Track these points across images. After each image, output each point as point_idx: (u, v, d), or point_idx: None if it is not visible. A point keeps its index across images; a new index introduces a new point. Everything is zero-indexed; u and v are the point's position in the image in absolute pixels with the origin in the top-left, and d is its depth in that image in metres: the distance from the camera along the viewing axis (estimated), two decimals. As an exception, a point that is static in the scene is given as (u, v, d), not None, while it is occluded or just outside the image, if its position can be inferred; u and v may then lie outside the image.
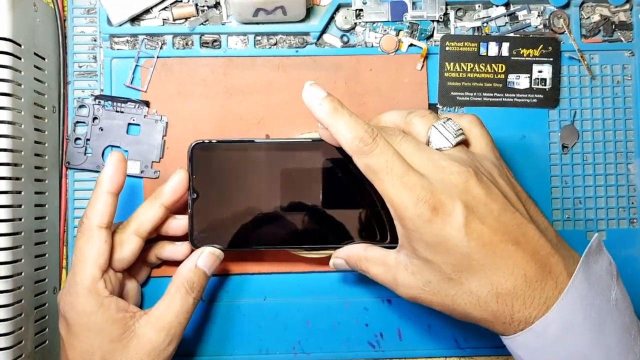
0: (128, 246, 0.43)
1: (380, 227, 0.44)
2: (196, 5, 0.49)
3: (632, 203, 0.50)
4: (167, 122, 0.48)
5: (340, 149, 0.40)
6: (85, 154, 0.48)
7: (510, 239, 0.35)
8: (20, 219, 0.42)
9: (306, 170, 0.44)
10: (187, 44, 0.49)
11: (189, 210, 0.44)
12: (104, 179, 0.41)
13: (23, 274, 0.42)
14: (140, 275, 0.47)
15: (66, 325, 0.41)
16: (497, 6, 0.49)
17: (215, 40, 0.49)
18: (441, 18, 0.49)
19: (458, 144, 0.38)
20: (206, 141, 0.43)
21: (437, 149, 0.38)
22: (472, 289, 0.35)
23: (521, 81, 0.49)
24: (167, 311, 0.41)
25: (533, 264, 0.34)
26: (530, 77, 0.49)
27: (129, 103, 0.48)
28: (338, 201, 0.44)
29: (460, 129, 0.38)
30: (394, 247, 0.39)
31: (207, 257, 0.43)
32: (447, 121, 0.39)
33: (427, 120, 0.39)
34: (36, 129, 0.45)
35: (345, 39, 0.49)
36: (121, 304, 0.41)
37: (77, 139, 0.48)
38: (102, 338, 0.40)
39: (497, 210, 0.35)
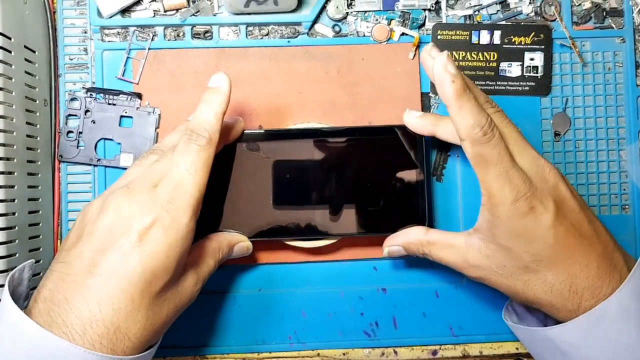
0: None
1: (385, 218, 0.45)
2: (187, -4, 0.49)
3: (624, 189, 0.50)
4: (159, 114, 0.48)
5: (340, 138, 0.42)
6: (77, 147, 0.48)
7: (587, 234, 0.38)
8: (13, 214, 0.42)
9: (304, 158, 0.44)
10: (178, 35, 0.49)
11: None
12: (219, 99, 0.40)
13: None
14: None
15: (158, 232, 0.36)
16: (488, -6, 0.50)
17: (206, 31, 0.49)
18: (433, 7, 0.49)
19: None
20: None
21: None
22: (548, 278, 0.38)
23: (513, 69, 0.49)
24: (204, 264, 0.41)
25: (604, 258, 0.38)
26: (522, 65, 0.49)
27: (121, 95, 0.48)
28: (339, 190, 0.44)
29: None
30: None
31: (243, 248, 0.44)
32: None
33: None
34: (28, 123, 0.44)
35: (337, 28, 0.49)
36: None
37: (69, 132, 0.48)
38: (180, 261, 0.37)
39: (577, 208, 0.38)
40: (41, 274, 0.46)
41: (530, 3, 0.50)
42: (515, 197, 0.37)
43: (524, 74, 0.49)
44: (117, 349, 0.34)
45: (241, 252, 0.44)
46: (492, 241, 0.39)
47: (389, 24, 0.49)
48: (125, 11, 0.49)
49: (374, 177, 0.45)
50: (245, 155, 0.44)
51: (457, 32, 0.49)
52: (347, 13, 0.49)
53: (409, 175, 0.45)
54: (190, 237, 0.37)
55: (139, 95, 0.48)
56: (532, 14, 0.50)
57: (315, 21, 0.49)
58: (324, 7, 0.49)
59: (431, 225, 0.47)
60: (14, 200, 0.42)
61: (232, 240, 0.44)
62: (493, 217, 0.38)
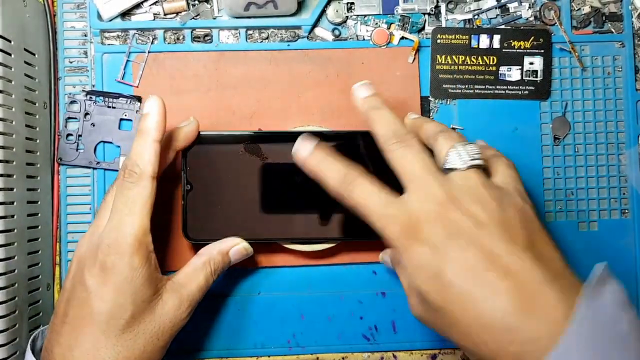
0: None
1: None
2: (187, -1, 0.49)
3: (624, 194, 0.50)
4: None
5: (339, 142, 0.43)
6: (77, 150, 0.48)
7: (496, 268, 0.32)
8: (12, 216, 0.42)
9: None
10: (178, 39, 0.49)
11: (183, 202, 0.44)
12: (150, 126, 0.40)
13: (16, 271, 0.42)
14: None
15: (102, 277, 0.37)
16: (488, -2, 0.50)
17: (206, 35, 0.49)
18: (432, 11, 0.49)
19: (471, 167, 0.36)
20: (201, 133, 0.44)
21: (449, 168, 0.36)
22: (459, 318, 0.33)
23: (512, 73, 0.49)
24: (191, 283, 0.41)
25: (518, 295, 0.31)
26: (522, 69, 0.49)
27: (120, 98, 0.48)
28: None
29: (479, 153, 0.37)
30: None
31: (239, 251, 0.44)
32: (469, 144, 0.37)
33: (452, 141, 0.37)
34: (27, 126, 0.44)
35: (336, 32, 0.49)
36: (155, 263, 0.40)
37: (68, 135, 0.48)
38: (137, 295, 0.38)
39: (483, 238, 0.33)
40: (39, 277, 0.46)
41: (529, 7, 0.50)
42: (396, 230, 0.36)
43: (524, 78, 0.49)
44: None
45: (240, 255, 0.44)
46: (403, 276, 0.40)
47: (388, 28, 0.49)
48: (125, 14, 0.49)
49: None
50: (242, 158, 0.44)
51: (457, 36, 0.49)
52: (347, 17, 0.49)
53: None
54: (141, 272, 0.38)
55: (139, 99, 0.48)
56: (532, 18, 0.50)
57: (315, 25, 0.49)
58: (323, 11, 0.49)
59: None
60: (13, 203, 0.42)
61: (223, 248, 0.43)
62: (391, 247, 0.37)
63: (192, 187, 0.44)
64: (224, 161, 0.44)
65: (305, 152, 0.40)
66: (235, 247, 0.44)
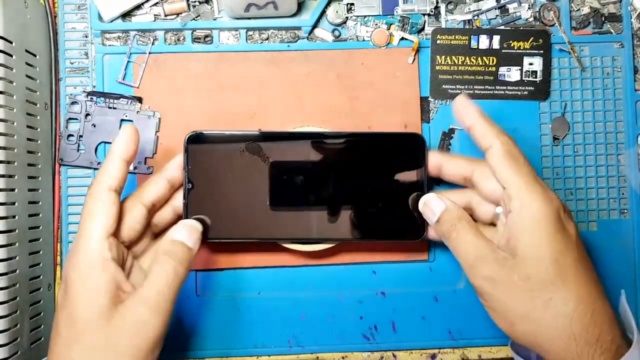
0: (133, 213, 0.41)
1: (383, 224, 0.45)
2: (187, 0, 0.49)
3: (623, 194, 0.50)
4: (159, 118, 0.48)
5: (339, 143, 0.44)
6: (78, 150, 0.48)
7: (590, 268, 0.38)
8: (14, 217, 0.42)
9: (303, 162, 0.44)
10: (178, 40, 0.49)
11: (184, 201, 0.44)
12: (118, 146, 0.40)
13: (18, 271, 0.42)
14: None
15: (64, 288, 0.38)
16: (487, -1, 0.50)
17: (207, 36, 0.49)
18: (432, 11, 0.49)
19: None
20: (203, 132, 0.44)
21: None
22: (570, 302, 0.36)
23: (512, 74, 0.49)
24: (153, 290, 0.38)
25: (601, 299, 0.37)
26: (521, 70, 0.49)
27: (121, 99, 0.48)
28: (337, 195, 0.44)
29: None
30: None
31: (183, 229, 0.42)
32: None
33: None
34: (28, 126, 0.45)
35: (336, 33, 0.50)
36: (119, 276, 0.38)
37: (69, 135, 0.48)
38: (92, 303, 0.37)
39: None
40: (40, 277, 0.46)
41: (529, 8, 0.50)
42: (554, 202, 0.37)
43: (523, 78, 0.49)
44: None
45: (193, 235, 0.42)
46: (519, 248, 0.37)
47: (388, 29, 0.49)
48: (126, 15, 0.49)
49: (373, 183, 0.44)
50: (244, 158, 0.44)
51: (456, 37, 0.49)
52: (347, 18, 0.49)
53: (410, 182, 0.44)
54: (97, 284, 0.37)
55: (139, 99, 0.48)
56: (531, 19, 0.50)
57: (315, 26, 0.49)
58: (323, 12, 0.49)
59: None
60: (14, 204, 0.42)
61: (162, 243, 0.41)
62: (524, 221, 0.37)
63: (193, 185, 0.44)
64: (225, 160, 0.44)
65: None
66: (176, 229, 0.42)
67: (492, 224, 0.42)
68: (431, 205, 0.42)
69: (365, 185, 0.44)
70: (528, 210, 0.37)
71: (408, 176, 0.44)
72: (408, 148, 0.44)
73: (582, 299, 0.36)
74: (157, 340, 0.38)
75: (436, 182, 0.49)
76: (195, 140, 0.44)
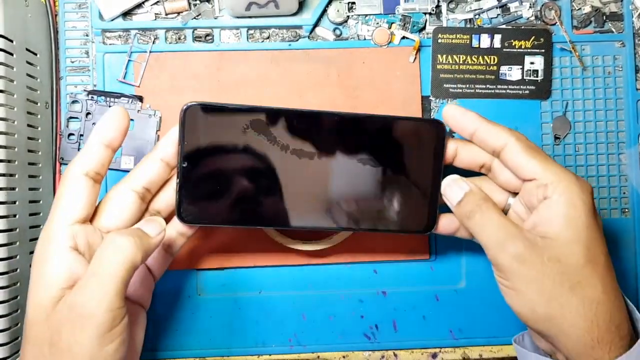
0: (119, 200, 0.38)
1: (392, 215, 0.41)
2: (188, -1, 0.49)
3: (624, 193, 0.50)
4: (160, 117, 0.48)
5: (353, 125, 0.40)
6: (79, 149, 0.48)
7: (610, 267, 0.38)
8: (14, 216, 0.42)
9: (313, 144, 0.40)
10: (179, 39, 0.49)
11: (178, 180, 0.39)
12: (100, 129, 0.37)
13: (18, 270, 0.42)
14: (157, 265, 0.43)
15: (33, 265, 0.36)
16: (488, -2, 0.50)
17: (207, 35, 0.49)
18: (433, 10, 0.49)
19: None
20: (203, 103, 0.38)
21: None
22: (598, 290, 0.36)
23: (513, 73, 0.49)
24: (91, 274, 0.34)
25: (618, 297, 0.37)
26: (522, 69, 0.49)
27: (122, 98, 0.48)
28: (348, 181, 0.41)
29: None
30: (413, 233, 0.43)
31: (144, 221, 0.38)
32: None
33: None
34: (29, 125, 0.45)
35: (337, 32, 0.50)
36: (77, 267, 0.35)
37: (70, 134, 0.48)
38: (39, 294, 0.34)
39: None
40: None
41: (530, 7, 0.50)
42: (589, 188, 0.37)
43: (524, 77, 0.49)
44: None
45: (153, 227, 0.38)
46: (551, 231, 0.37)
47: (389, 28, 0.49)
48: (126, 14, 0.49)
49: (387, 170, 0.41)
50: (248, 136, 0.39)
51: (458, 36, 0.49)
52: (348, 16, 0.49)
53: (426, 169, 0.41)
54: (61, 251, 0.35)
55: (140, 98, 0.48)
56: (533, 18, 0.50)
57: (316, 24, 0.49)
58: (324, 11, 0.49)
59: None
60: (15, 203, 0.42)
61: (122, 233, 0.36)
62: (561, 205, 0.37)
63: (188, 164, 0.39)
64: (227, 137, 0.39)
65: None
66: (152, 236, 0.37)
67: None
68: (455, 185, 0.40)
69: (379, 172, 0.41)
70: (566, 196, 0.36)
71: (425, 163, 0.41)
72: (427, 135, 0.41)
73: (608, 285, 0.36)
74: (105, 334, 0.33)
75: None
76: (194, 112, 0.38)
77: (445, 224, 0.42)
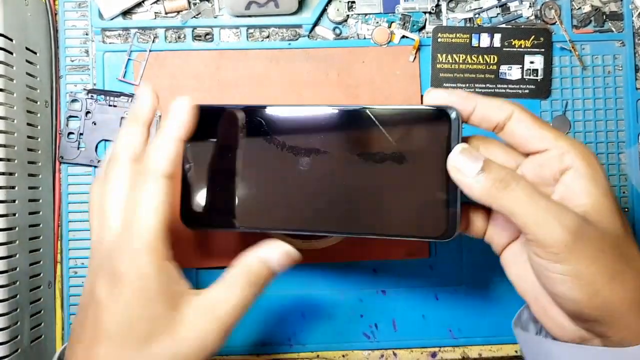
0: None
1: (403, 218, 0.36)
2: (188, -2, 0.49)
3: (624, 192, 0.50)
4: (160, 116, 0.48)
5: (358, 119, 0.36)
6: (78, 148, 0.48)
7: None
8: (14, 214, 0.42)
9: (315, 142, 0.37)
10: (179, 38, 0.49)
11: (182, 183, 0.38)
12: (178, 123, 0.35)
13: (18, 268, 0.42)
14: None
15: (111, 287, 0.32)
16: (488, -3, 0.50)
17: (207, 34, 0.49)
18: (433, 9, 0.49)
19: None
20: (202, 105, 0.37)
21: None
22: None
23: (513, 72, 0.49)
24: (224, 302, 0.34)
25: None
26: (522, 68, 0.49)
27: (121, 97, 0.48)
28: (355, 182, 0.37)
29: None
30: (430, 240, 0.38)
31: (281, 257, 0.36)
32: None
33: None
34: (29, 124, 0.45)
35: (337, 31, 0.50)
36: (175, 275, 0.33)
37: (70, 133, 0.48)
38: (150, 310, 0.32)
39: None
40: (41, 274, 0.46)
41: (530, 6, 0.50)
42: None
43: (524, 77, 0.49)
44: None
45: (283, 261, 0.36)
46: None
47: (389, 27, 0.49)
48: (126, 13, 0.49)
49: (398, 168, 0.36)
50: (259, 133, 0.37)
51: (458, 35, 0.49)
52: (348, 16, 0.49)
53: (442, 164, 0.35)
54: (153, 283, 0.32)
55: (140, 97, 0.48)
56: (532, 17, 0.50)
57: (315, 24, 0.49)
58: (324, 10, 0.49)
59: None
60: (14, 201, 0.42)
61: (263, 255, 0.36)
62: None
63: (192, 166, 0.38)
64: (227, 137, 0.38)
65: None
66: (274, 255, 0.36)
67: None
68: (468, 154, 0.33)
69: (388, 171, 0.36)
70: (587, 162, 0.32)
71: (438, 158, 0.35)
72: (439, 125, 0.35)
73: None
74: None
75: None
76: (199, 112, 0.37)
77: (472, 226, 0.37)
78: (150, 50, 0.49)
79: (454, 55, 0.49)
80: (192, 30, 0.49)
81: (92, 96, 0.48)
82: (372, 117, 0.37)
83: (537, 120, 0.33)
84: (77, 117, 0.48)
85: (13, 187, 0.42)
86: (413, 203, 0.36)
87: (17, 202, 0.42)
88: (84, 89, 0.49)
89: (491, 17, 0.50)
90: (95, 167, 0.48)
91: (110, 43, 0.49)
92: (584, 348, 0.33)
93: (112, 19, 0.48)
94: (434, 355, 0.50)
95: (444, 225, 0.35)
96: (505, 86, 0.49)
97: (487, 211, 0.37)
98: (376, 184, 0.36)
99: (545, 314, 0.35)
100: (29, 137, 0.45)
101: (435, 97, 0.35)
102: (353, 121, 0.37)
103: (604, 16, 0.50)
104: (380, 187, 0.36)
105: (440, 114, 0.35)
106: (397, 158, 0.36)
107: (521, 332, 0.37)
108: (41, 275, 0.46)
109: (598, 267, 0.31)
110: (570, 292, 0.31)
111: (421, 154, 0.36)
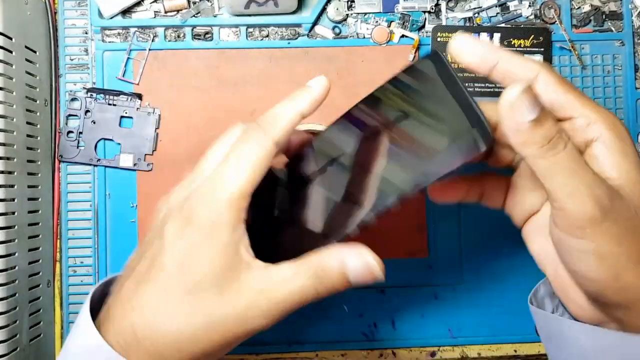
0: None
1: None
2: (187, -3, 0.49)
3: (623, 192, 0.50)
4: (159, 115, 0.48)
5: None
6: (77, 147, 0.48)
7: None
8: (13, 213, 0.42)
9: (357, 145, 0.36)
10: (179, 37, 0.49)
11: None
12: (309, 97, 0.34)
13: (17, 267, 0.42)
14: None
15: (181, 229, 0.31)
16: (488, -3, 0.50)
17: (207, 33, 0.49)
18: (432, 9, 0.49)
19: None
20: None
21: None
22: None
23: (512, 71, 0.49)
24: (285, 286, 0.31)
25: None
26: (522, 68, 0.49)
27: (121, 96, 0.48)
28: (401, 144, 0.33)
29: None
30: None
31: (362, 271, 0.34)
32: None
33: None
34: (28, 123, 0.45)
35: (337, 30, 0.50)
36: (245, 240, 0.31)
37: (69, 132, 0.48)
38: (211, 261, 0.30)
39: None
40: (40, 273, 0.46)
41: (530, 6, 0.50)
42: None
43: (524, 76, 0.49)
44: None
45: (362, 277, 0.34)
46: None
47: (389, 26, 0.49)
48: (126, 12, 0.49)
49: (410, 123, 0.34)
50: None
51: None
52: (347, 15, 0.49)
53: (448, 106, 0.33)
54: (223, 236, 0.31)
55: (139, 96, 0.48)
56: (532, 16, 0.50)
57: (315, 23, 0.49)
58: (324, 9, 0.49)
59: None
60: (13, 200, 0.42)
61: (345, 259, 0.33)
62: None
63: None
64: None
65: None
66: (357, 267, 0.34)
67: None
68: (523, 97, 0.27)
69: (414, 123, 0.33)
70: (616, 133, 0.29)
71: (445, 98, 0.33)
72: (430, 73, 0.34)
73: None
74: (238, 341, 0.32)
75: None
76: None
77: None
78: (149, 49, 0.49)
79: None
80: (192, 29, 0.49)
81: (91, 95, 0.48)
82: (380, 97, 0.36)
83: (563, 83, 0.30)
84: (76, 115, 0.48)
85: (12, 186, 0.42)
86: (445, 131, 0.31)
87: (16, 200, 0.42)
88: (84, 88, 0.49)
89: (491, 17, 0.50)
90: (95, 165, 0.48)
91: (109, 42, 0.49)
92: (602, 331, 0.31)
93: (111, 18, 0.48)
94: (433, 354, 0.50)
95: (480, 138, 0.29)
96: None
97: (506, 181, 0.35)
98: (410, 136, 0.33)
99: (564, 291, 0.33)
100: (28, 135, 0.45)
101: (461, 43, 0.32)
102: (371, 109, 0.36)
103: (604, 16, 0.50)
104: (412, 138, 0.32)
105: (426, 62, 0.33)
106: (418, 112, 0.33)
107: (537, 310, 0.35)
108: (40, 273, 0.46)
109: (624, 249, 0.28)
110: (591, 272, 0.29)
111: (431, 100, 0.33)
